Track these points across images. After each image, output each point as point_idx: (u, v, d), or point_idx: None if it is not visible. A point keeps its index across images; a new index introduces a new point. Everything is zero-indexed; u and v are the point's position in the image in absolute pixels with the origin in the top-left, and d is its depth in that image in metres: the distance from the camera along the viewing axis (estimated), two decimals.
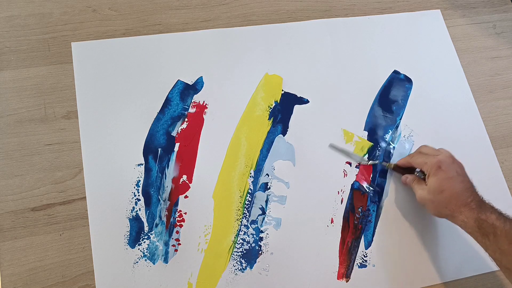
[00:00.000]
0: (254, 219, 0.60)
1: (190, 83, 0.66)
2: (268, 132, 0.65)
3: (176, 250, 0.57)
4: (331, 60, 0.71)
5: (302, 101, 0.68)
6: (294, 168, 0.64)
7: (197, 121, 0.64)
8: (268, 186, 0.62)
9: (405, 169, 0.63)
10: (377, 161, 0.65)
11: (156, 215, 0.58)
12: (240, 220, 0.60)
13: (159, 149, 0.61)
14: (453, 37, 0.77)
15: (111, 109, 0.62)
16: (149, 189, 0.59)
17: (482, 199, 0.54)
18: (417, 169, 0.60)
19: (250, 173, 0.62)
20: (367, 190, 0.65)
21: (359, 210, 0.63)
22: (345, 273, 0.60)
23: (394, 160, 0.66)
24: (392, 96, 0.71)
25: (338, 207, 0.63)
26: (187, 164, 0.61)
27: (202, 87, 0.66)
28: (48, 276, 0.54)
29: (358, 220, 0.63)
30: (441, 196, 0.55)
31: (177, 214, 0.59)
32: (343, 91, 0.69)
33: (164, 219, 0.58)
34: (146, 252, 0.56)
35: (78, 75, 0.63)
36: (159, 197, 0.59)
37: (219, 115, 0.65)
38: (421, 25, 0.77)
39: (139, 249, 0.56)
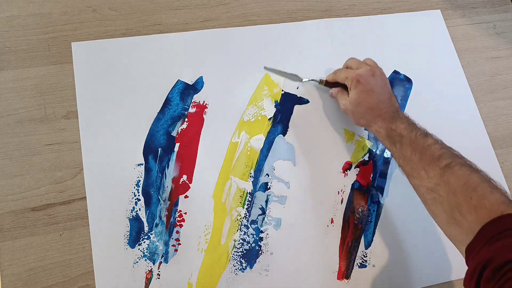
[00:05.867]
0: (254, 219, 0.60)
1: (190, 83, 0.66)
2: (268, 132, 0.65)
3: (176, 250, 0.57)
4: (331, 60, 0.71)
5: (302, 101, 0.68)
6: (294, 168, 0.64)
7: (197, 121, 0.64)
8: (268, 186, 0.62)
9: (335, 84, 0.65)
10: (311, 80, 0.67)
11: (156, 215, 0.58)
12: (240, 220, 0.60)
13: (159, 149, 0.61)
14: (453, 37, 0.77)
15: (111, 109, 0.62)
16: (149, 189, 0.59)
17: (397, 110, 0.58)
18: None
19: (250, 173, 0.62)
20: (367, 190, 0.65)
21: (359, 210, 0.63)
22: (345, 273, 0.60)
23: None
24: None
25: (338, 207, 0.63)
26: (187, 164, 0.61)
27: (202, 87, 0.66)
28: (48, 276, 0.54)
29: (358, 220, 0.63)
30: (359, 108, 0.59)
31: (177, 214, 0.59)
32: None
33: (164, 219, 0.58)
34: (146, 252, 0.56)
35: (78, 75, 0.63)
36: (159, 197, 0.59)
37: (219, 115, 0.65)
38: (421, 25, 0.77)
39: (139, 249, 0.56)
